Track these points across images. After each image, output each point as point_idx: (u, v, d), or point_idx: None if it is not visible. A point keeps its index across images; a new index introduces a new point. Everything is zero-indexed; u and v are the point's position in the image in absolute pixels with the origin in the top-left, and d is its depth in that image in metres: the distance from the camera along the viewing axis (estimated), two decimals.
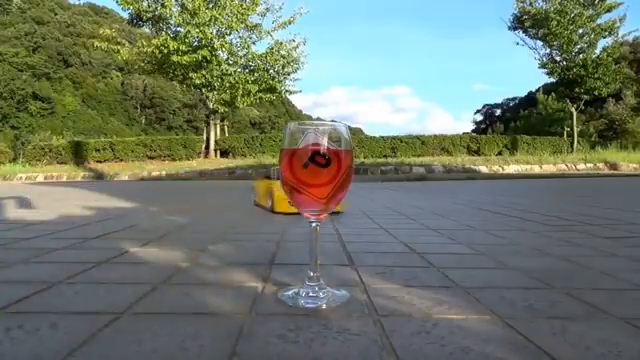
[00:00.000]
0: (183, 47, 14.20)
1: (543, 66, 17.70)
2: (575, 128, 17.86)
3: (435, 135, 17.40)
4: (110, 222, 2.49)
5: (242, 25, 15.21)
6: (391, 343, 0.75)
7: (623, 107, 29.05)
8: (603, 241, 1.83)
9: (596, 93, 17.14)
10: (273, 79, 16.01)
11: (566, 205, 3.38)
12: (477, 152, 16.61)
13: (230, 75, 15.11)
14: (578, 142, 17.85)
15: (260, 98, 16.41)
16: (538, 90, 33.10)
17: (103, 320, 0.86)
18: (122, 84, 63.82)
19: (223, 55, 15.28)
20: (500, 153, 16.45)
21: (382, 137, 17.18)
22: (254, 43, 15.94)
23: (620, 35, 16.91)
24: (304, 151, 0.94)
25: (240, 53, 15.76)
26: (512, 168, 12.55)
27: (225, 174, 11.79)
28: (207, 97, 16.10)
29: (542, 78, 29.90)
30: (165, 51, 14.27)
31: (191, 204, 3.96)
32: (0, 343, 0.76)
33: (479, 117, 56.97)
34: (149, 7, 14.89)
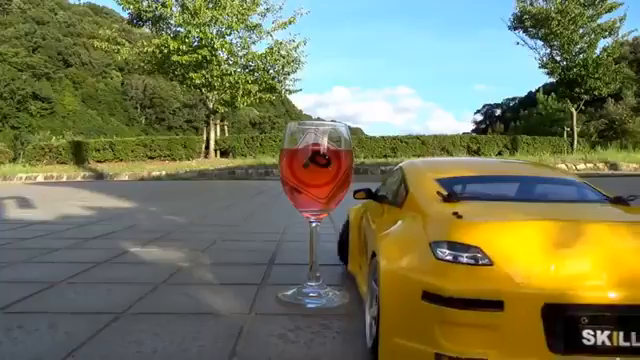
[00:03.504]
0: (183, 47, 14.20)
1: (543, 66, 17.68)
2: (575, 128, 17.83)
3: (435, 135, 17.38)
4: (110, 222, 2.49)
5: (242, 25, 15.19)
6: None
7: (623, 107, 29.03)
8: None
9: (596, 93, 17.11)
10: (273, 79, 16.00)
11: None
12: (477, 152, 16.60)
13: (230, 75, 15.09)
14: (578, 142, 17.83)
15: (260, 98, 16.39)
16: (538, 90, 33.09)
17: (103, 320, 0.86)
18: (122, 84, 63.82)
19: (223, 55, 15.27)
20: (500, 153, 16.44)
21: (382, 137, 17.16)
22: (254, 43, 15.92)
23: (620, 35, 16.91)
24: (304, 151, 0.94)
25: (240, 53, 15.75)
26: None
27: (225, 174, 11.78)
28: (207, 97, 16.08)
29: (542, 78, 29.88)
30: (165, 51, 14.26)
31: (191, 204, 3.96)
32: (0, 343, 0.76)
33: (479, 117, 57.02)
34: (149, 7, 14.87)
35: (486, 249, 0.57)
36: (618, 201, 0.73)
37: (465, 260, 0.57)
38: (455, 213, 0.65)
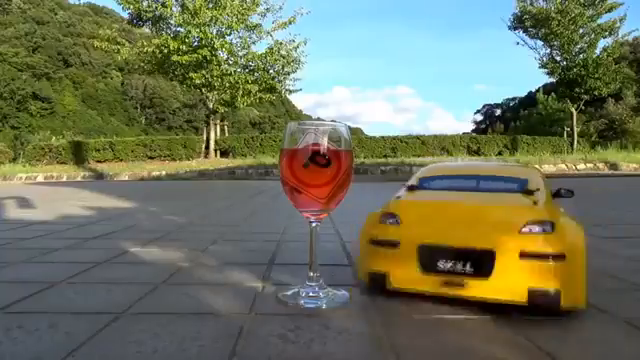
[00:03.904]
0: (183, 47, 14.21)
1: (543, 66, 17.69)
2: (575, 128, 17.85)
3: (435, 135, 17.39)
4: (110, 222, 2.49)
5: (242, 25, 15.20)
6: (391, 343, 0.75)
7: (623, 107, 29.03)
8: (603, 241, 1.83)
9: (596, 93, 17.12)
10: (273, 79, 16.01)
11: (565, 205, 3.38)
12: (477, 152, 16.61)
13: (230, 75, 15.11)
14: (578, 142, 17.84)
15: (260, 98, 16.40)
16: (538, 90, 33.10)
17: (103, 320, 0.86)
18: (122, 84, 63.80)
19: (223, 55, 15.27)
20: (500, 153, 16.45)
21: (382, 137, 17.16)
22: (254, 43, 15.94)
23: (620, 35, 16.92)
24: (304, 151, 0.94)
25: (240, 53, 15.76)
26: None
27: (225, 174, 11.79)
28: (207, 97, 16.09)
29: (542, 78, 29.90)
30: (165, 51, 14.27)
31: (191, 204, 3.96)
32: (0, 343, 0.76)
33: (479, 117, 57.05)
34: (149, 7, 14.88)
35: (401, 215, 0.97)
36: (525, 192, 1.01)
37: (390, 222, 0.98)
38: (398, 196, 1.06)
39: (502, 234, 0.87)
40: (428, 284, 0.91)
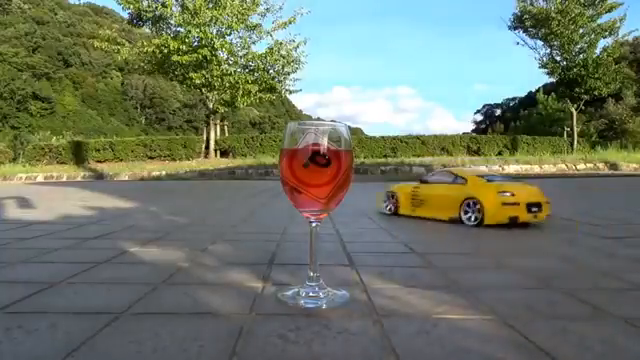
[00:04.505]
0: (183, 47, 14.18)
1: (543, 66, 17.67)
2: (575, 128, 17.83)
3: (435, 135, 17.36)
4: (110, 222, 2.49)
5: (242, 25, 15.18)
6: (391, 343, 0.75)
7: (623, 107, 29.00)
8: (603, 241, 1.83)
9: (596, 93, 17.10)
10: (273, 79, 15.99)
11: (566, 205, 3.37)
12: (477, 152, 16.57)
13: (230, 75, 15.08)
14: (578, 142, 17.82)
15: (260, 98, 16.38)
16: (538, 90, 33.06)
17: (103, 320, 0.86)
18: (122, 84, 63.75)
19: (223, 55, 15.25)
20: (500, 153, 16.41)
21: (382, 137, 17.12)
22: (254, 43, 15.92)
23: (620, 35, 16.90)
24: (304, 151, 0.94)
25: (240, 53, 15.74)
26: (512, 168, 12.50)
27: (225, 174, 11.78)
28: (207, 97, 16.06)
29: (542, 78, 29.82)
30: (165, 51, 14.25)
31: (191, 204, 3.96)
32: (0, 343, 0.76)
33: (479, 117, 57.04)
34: (149, 7, 14.86)
35: (513, 191, 2.26)
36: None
37: (507, 195, 2.23)
38: (496, 185, 2.33)
39: (543, 196, 2.31)
40: (528, 217, 2.20)
